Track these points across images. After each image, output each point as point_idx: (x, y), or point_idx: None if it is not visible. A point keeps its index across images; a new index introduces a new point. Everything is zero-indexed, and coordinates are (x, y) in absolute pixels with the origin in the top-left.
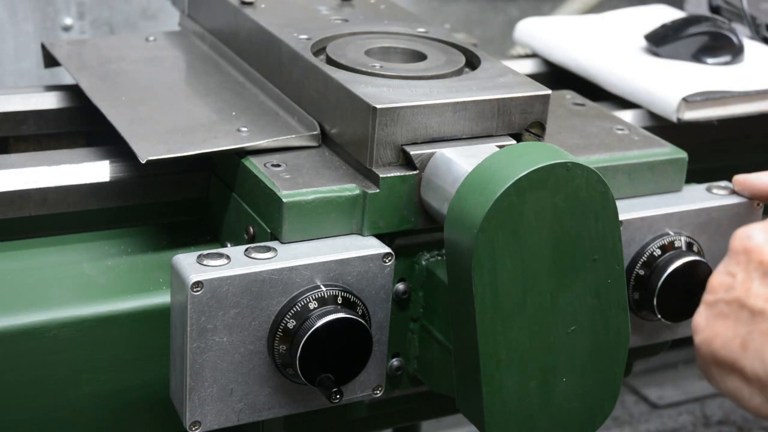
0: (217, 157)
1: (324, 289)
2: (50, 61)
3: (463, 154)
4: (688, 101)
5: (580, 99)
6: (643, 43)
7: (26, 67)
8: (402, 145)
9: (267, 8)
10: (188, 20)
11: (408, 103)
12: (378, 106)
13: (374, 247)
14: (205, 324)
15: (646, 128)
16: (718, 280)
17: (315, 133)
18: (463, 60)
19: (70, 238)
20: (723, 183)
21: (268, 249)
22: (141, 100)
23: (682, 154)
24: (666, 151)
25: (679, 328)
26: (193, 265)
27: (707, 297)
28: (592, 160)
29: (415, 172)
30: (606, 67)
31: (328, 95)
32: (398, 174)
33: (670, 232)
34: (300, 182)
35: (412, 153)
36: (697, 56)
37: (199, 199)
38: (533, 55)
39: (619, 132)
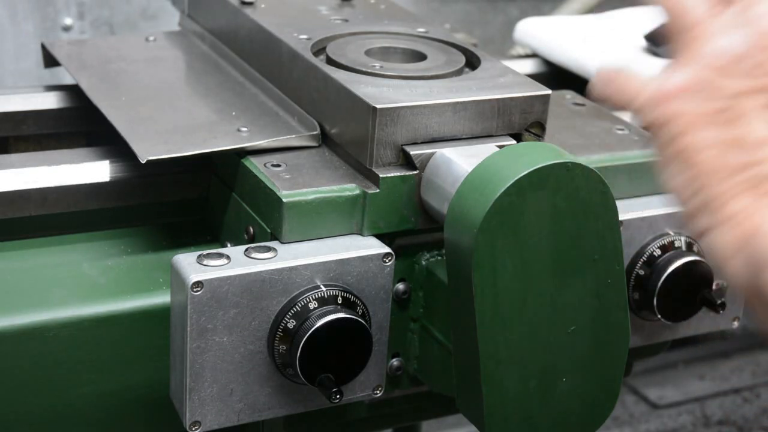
0: (217, 157)
1: (324, 289)
2: (50, 61)
3: (463, 154)
4: None
5: (580, 99)
6: (643, 43)
7: (26, 67)
8: (402, 145)
9: (267, 8)
10: (188, 20)
11: (408, 103)
12: (378, 106)
13: (374, 247)
14: (205, 324)
15: None
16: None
17: (315, 133)
18: (463, 60)
19: (70, 238)
20: None
21: (268, 249)
22: (141, 100)
23: None
24: None
25: (679, 328)
26: (193, 265)
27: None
28: (592, 160)
29: (415, 172)
30: None
31: (328, 95)
32: (398, 174)
33: (670, 232)
34: (300, 182)
35: (412, 153)
36: None
37: (199, 199)
38: (533, 55)
39: (619, 132)
